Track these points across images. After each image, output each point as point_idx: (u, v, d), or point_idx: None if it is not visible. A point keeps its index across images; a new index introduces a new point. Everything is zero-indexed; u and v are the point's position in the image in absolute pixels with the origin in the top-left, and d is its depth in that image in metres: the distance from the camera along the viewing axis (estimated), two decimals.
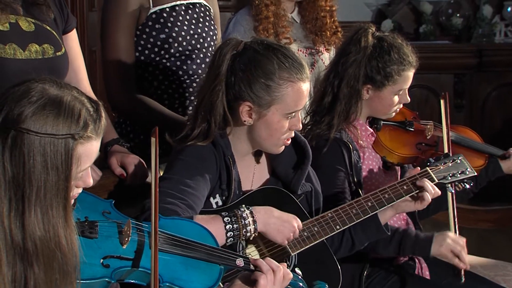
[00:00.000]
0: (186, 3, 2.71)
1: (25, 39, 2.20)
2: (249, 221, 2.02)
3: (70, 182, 1.56)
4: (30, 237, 1.52)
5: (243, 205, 2.05)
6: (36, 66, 2.19)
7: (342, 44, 2.72)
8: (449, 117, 2.71)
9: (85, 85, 2.43)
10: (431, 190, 2.38)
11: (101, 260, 1.67)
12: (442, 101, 2.72)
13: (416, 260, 2.69)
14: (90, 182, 1.65)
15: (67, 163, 1.54)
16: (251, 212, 2.03)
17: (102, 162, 2.33)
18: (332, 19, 3.04)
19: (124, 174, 2.33)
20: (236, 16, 2.98)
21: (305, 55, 2.98)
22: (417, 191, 2.40)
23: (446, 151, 2.65)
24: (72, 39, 2.41)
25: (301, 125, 2.20)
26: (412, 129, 2.81)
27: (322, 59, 3.01)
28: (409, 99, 2.68)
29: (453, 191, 2.58)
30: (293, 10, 3.05)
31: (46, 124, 1.52)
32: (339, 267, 2.30)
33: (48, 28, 2.28)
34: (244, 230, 2.02)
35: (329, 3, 3.04)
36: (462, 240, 2.57)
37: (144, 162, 2.36)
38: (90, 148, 1.59)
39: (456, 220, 2.62)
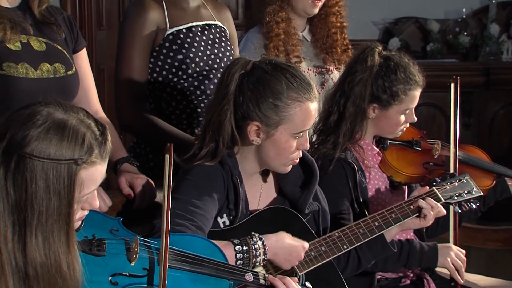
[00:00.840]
0: (202, 24, 2.74)
1: (37, 59, 2.22)
2: (260, 252, 2.05)
3: (72, 207, 1.55)
4: (31, 262, 1.51)
5: (256, 235, 2.07)
6: (48, 85, 2.22)
7: (349, 63, 2.72)
8: (459, 106, 2.67)
9: (95, 104, 2.45)
10: (429, 209, 2.39)
11: (110, 278, 1.67)
12: (452, 85, 2.70)
13: (425, 281, 2.68)
14: (97, 204, 1.64)
15: (70, 188, 1.53)
16: (263, 243, 2.06)
17: (111, 180, 2.33)
18: (343, 36, 3.06)
19: (131, 194, 2.32)
20: (247, 34, 3.00)
21: (315, 74, 2.99)
22: (422, 209, 2.41)
23: (452, 170, 2.65)
24: (82, 58, 2.43)
25: (308, 145, 2.21)
26: (419, 149, 2.80)
27: (332, 78, 3.02)
28: (415, 118, 2.67)
29: (459, 211, 2.57)
30: (304, 28, 3.07)
31: (49, 149, 1.51)
32: (346, 287, 2.30)
33: (59, 47, 2.30)
34: (254, 260, 2.05)
35: (340, 20, 3.06)
36: (463, 254, 2.59)
37: (153, 183, 2.36)
38: (94, 173, 1.58)
39: (457, 233, 2.62)
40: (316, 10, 2.99)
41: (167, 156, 1.68)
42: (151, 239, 1.76)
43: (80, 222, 1.64)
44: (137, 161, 2.46)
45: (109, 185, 2.33)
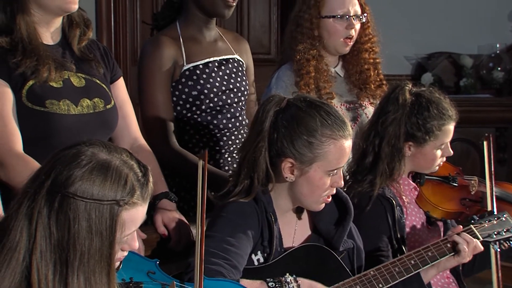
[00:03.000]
0: (220, 59, 2.76)
1: (77, 95, 2.26)
2: None
3: (114, 248, 1.55)
4: None
5: (291, 277, 2.05)
6: (88, 120, 2.25)
7: (380, 103, 2.71)
8: (493, 162, 2.66)
9: (135, 131, 2.47)
10: (465, 245, 2.36)
11: None
12: (485, 143, 2.68)
13: None
14: (136, 245, 1.64)
15: (112, 229, 1.54)
16: (298, 286, 2.04)
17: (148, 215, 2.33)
18: (376, 72, 3.05)
19: (166, 234, 2.32)
20: (278, 71, 3.01)
21: (348, 110, 2.98)
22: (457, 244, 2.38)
23: (490, 208, 2.61)
24: (119, 86, 2.46)
25: (342, 183, 2.19)
26: (456, 184, 2.78)
27: (366, 113, 3.01)
28: (452, 151, 2.65)
29: (498, 250, 2.53)
30: (337, 64, 3.07)
31: (93, 189, 1.52)
32: None
33: (98, 82, 2.34)
34: None
35: (373, 56, 3.05)
36: None
37: (188, 224, 2.36)
38: (136, 214, 1.58)
39: (500, 278, 2.57)
40: (348, 49, 2.99)
41: (201, 162, 1.67)
42: (187, 284, 1.75)
43: (119, 263, 1.64)
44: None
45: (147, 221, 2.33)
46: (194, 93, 2.67)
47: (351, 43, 2.98)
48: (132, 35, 5.07)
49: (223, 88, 2.72)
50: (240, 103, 2.78)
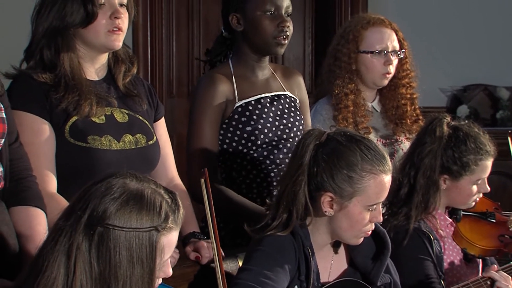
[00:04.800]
0: (271, 95, 2.77)
1: (120, 130, 2.29)
2: None
3: (154, 274, 1.57)
4: None
5: None
6: (130, 155, 2.28)
7: (417, 134, 2.71)
8: None
9: (172, 171, 2.50)
10: (504, 283, 2.33)
11: None
12: (509, 138, 2.66)
13: None
14: (170, 272, 1.66)
15: (152, 255, 1.57)
16: None
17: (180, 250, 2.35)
18: (413, 107, 3.05)
19: (199, 256, 2.35)
20: (316, 105, 3.02)
21: (384, 145, 2.97)
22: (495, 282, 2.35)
23: None
24: (161, 126, 2.50)
25: (381, 218, 2.18)
26: (494, 221, 2.74)
27: (402, 148, 3.00)
28: (488, 188, 2.63)
29: None
30: (374, 99, 3.07)
31: (131, 219, 1.56)
32: None
33: (140, 118, 2.37)
34: None
35: (410, 91, 3.05)
36: None
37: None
38: (171, 239, 1.62)
39: None
40: (386, 82, 2.99)
41: (202, 180, 1.68)
42: None
43: None
44: (203, 232, 2.48)
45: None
46: (248, 128, 2.69)
47: (390, 76, 2.98)
48: (168, 67, 5.12)
49: (277, 123, 2.73)
50: (296, 138, 2.77)
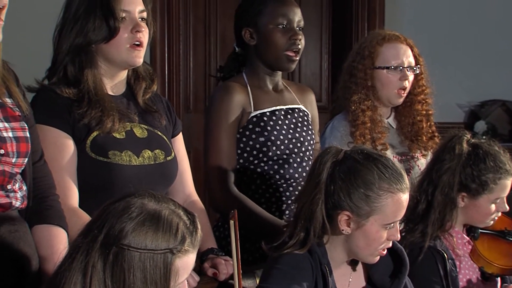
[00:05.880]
0: (286, 108, 2.78)
1: (139, 146, 2.31)
2: None
3: None
4: None
5: None
6: (149, 171, 2.29)
7: (436, 151, 2.70)
8: None
9: (189, 187, 2.51)
10: None
11: None
12: None
13: None
14: None
15: (166, 277, 1.56)
16: None
17: (198, 268, 2.35)
18: (429, 124, 3.05)
19: (216, 272, 2.35)
20: (333, 121, 3.02)
21: (400, 162, 2.96)
22: None
23: None
24: (179, 142, 2.51)
25: (399, 236, 2.18)
26: None
27: (418, 165, 2.99)
28: (507, 207, 2.61)
29: None
30: (389, 115, 3.07)
31: (146, 240, 1.56)
32: None
33: (159, 133, 2.38)
34: None
35: (426, 107, 3.04)
36: None
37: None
38: (187, 261, 1.61)
39: None
40: (401, 100, 2.99)
41: (232, 222, 1.68)
42: None
43: None
44: (217, 244, 2.48)
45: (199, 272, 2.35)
46: (261, 139, 2.69)
47: (405, 95, 2.98)
48: (185, 83, 5.15)
49: (289, 136, 2.74)
50: (307, 153, 2.79)
